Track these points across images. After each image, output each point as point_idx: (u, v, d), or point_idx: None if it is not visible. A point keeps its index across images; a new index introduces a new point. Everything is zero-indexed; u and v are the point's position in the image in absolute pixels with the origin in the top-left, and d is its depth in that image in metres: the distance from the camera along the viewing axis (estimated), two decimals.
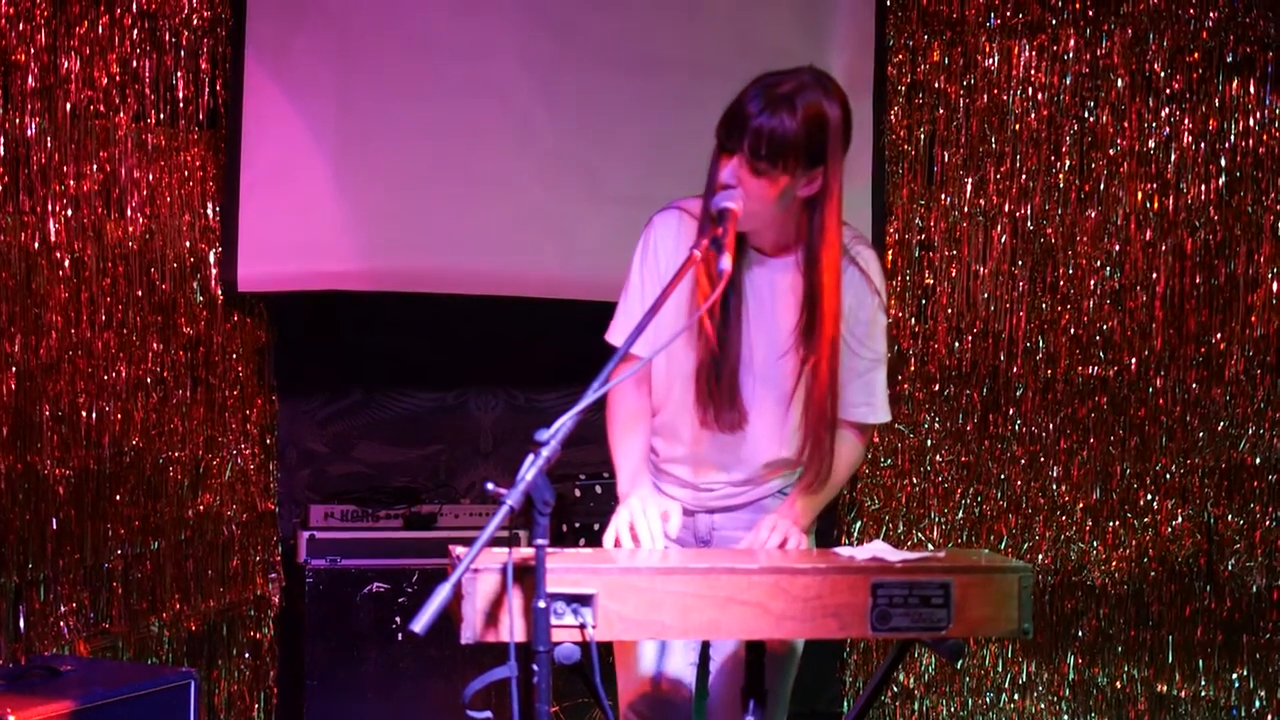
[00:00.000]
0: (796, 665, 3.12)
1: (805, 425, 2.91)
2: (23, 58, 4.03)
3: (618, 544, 2.89)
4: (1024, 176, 4.72)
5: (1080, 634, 4.66)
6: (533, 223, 4.69)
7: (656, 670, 3.08)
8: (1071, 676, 4.67)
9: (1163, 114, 4.56)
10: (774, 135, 2.71)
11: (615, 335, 3.02)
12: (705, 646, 3.14)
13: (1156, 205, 4.57)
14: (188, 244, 4.50)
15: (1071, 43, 4.65)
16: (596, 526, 4.47)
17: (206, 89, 4.52)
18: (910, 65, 4.84)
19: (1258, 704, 4.43)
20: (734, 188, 2.76)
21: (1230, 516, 4.47)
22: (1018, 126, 4.72)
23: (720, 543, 3.08)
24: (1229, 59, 4.45)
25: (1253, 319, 4.47)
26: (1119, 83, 4.60)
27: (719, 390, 2.89)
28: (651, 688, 3.08)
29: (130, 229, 4.32)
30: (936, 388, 4.83)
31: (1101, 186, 4.63)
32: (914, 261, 4.86)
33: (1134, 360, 4.59)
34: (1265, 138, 4.43)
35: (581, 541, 4.52)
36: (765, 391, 2.93)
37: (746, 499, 3.06)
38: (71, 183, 4.16)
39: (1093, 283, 4.64)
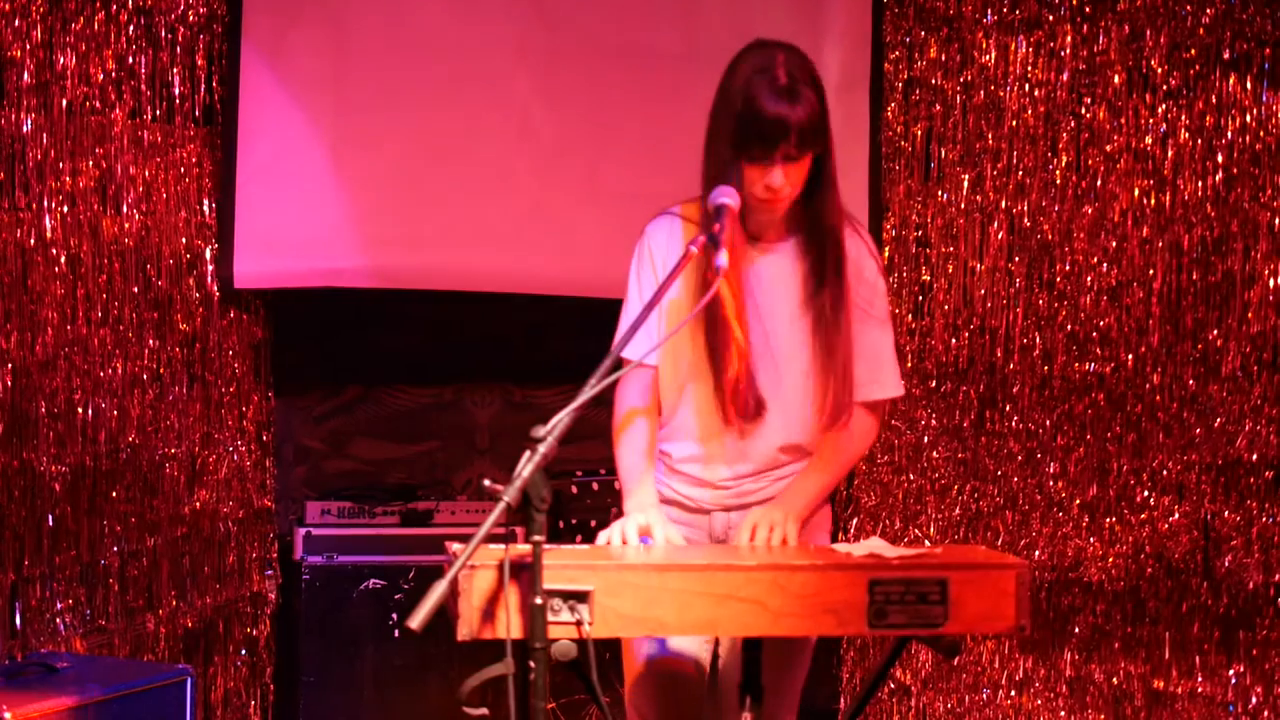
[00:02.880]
0: (809, 660, 3.12)
1: (830, 399, 2.92)
2: (18, 54, 4.03)
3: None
4: (1021, 173, 4.72)
5: (1077, 630, 4.66)
6: (530, 219, 4.68)
7: (661, 660, 3.07)
8: (1068, 673, 4.67)
9: (1159, 110, 4.56)
10: (803, 125, 2.77)
11: (620, 345, 3.02)
12: (716, 643, 3.13)
13: (1153, 201, 4.57)
14: (184, 240, 4.50)
15: (1068, 39, 4.64)
16: (594, 523, 4.47)
17: (203, 85, 4.52)
18: (907, 61, 4.84)
19: (1254, 700, 4.43)
20: (777, 192, 2.80)
21: (1227, 513, 4.47)
22: (1014, 123, 4.71)
23: (737, 540, 3.07)
24: (1226, 55, 4.45)
25: (1249, 315, 4.46)
26: (1116, 79, 4.60)
27: (736, 384, 2.90)
28: (656, 677, 3.07)
29: (126, 225, 4.32)
30: (933, 384, 4.83)
31: (1098, 183, 4.63)
32: (911, 258, 4.86)
33: (1131, 356, 4.59)
34: (1262, 134, 4.43)
35: (578, 538, 4.52)
36: (780, 377, 2.94)
37: (763, 496, 3.06)
38: (67, 179, 4.16)
39: (1089, 279, 4.64)
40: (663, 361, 2.96)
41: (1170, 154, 4.54)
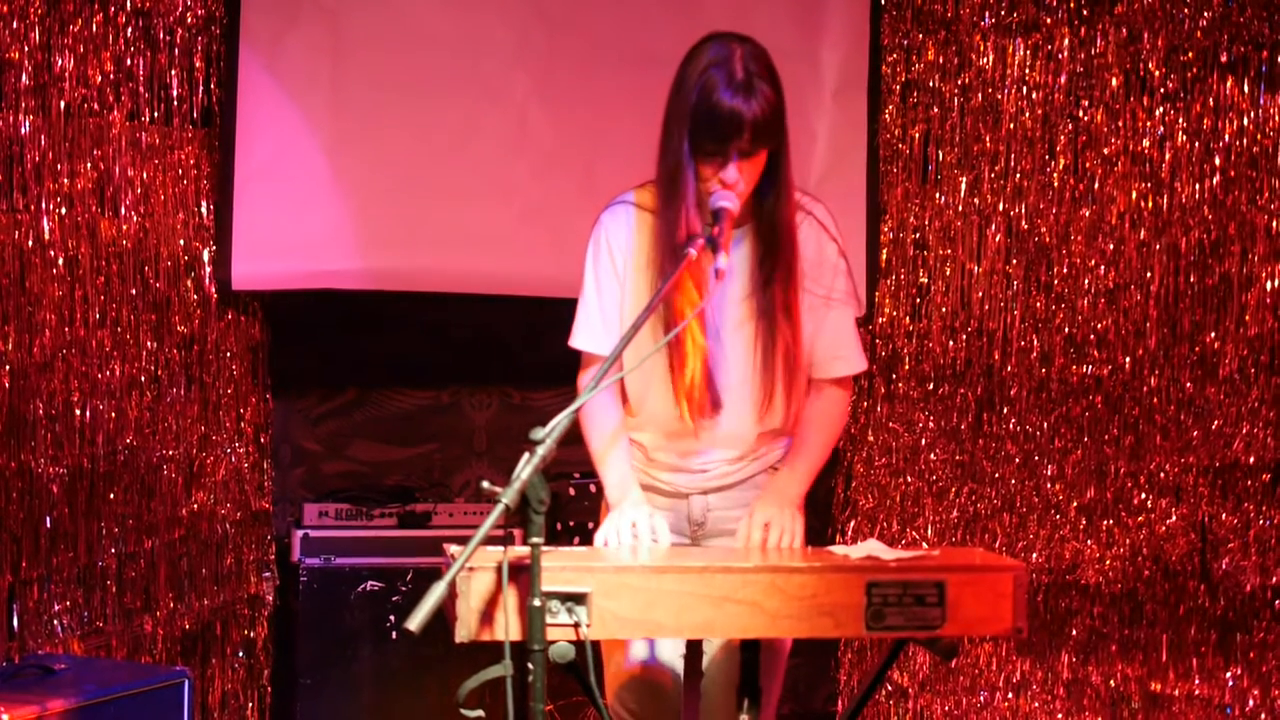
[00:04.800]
0: (784, 663, 3.12)
1: (778, 391, 2.94)
2: (16, 55, 4.03)
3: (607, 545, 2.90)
4: (1018, 175, 4.72)
5: (1074, 633, 4.66)
6: (528, 221, 4.68)
7: (643, 661, 3.08)
8: (1065, 675, 4.67)
9: (1157, 113, 4.56)
10: (757, 120, 2.75)
11: (580, 339, 3.02)
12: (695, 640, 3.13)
13: (1151, 204, 4.57)
14: (182, 242, 4.49)
15: (1066, 42, 4.64)
16: (591, 525, 4.44)
17: (201, 87, 4.52)
18: (905, 64, 4.84)
19: (1251, 703, 4.44)
20: (731, 188, 2.77)
21: (1224, 515, 4.47)
22: (1012, 125, 4.72)
23: (715, 523, 3.07)
24: (1223, 58, 4.45)
25: (1247, 318, 4.46)
26: (1113, 82, 4.60)
27: (694, 382, 2.90)
28: (638, 679, 3.07)
29: (124, 227, 4.32)
30: (931, 386, 4.83)
31: (1096, 185, 4.63)
32: (908, 260, 4.86)
33: (1128, 359, 4.59)
34: (1259, 137, 4.44)
35: (576, 540, 4.52)
36: (734, 371, 2.94)
37: (741, 476, 3.06)
38: (65, 181, 4.16)
39: (1087, 281, 4.64)
40: (627, 359, 2.95)
41: (1168, 157, 4.54)
